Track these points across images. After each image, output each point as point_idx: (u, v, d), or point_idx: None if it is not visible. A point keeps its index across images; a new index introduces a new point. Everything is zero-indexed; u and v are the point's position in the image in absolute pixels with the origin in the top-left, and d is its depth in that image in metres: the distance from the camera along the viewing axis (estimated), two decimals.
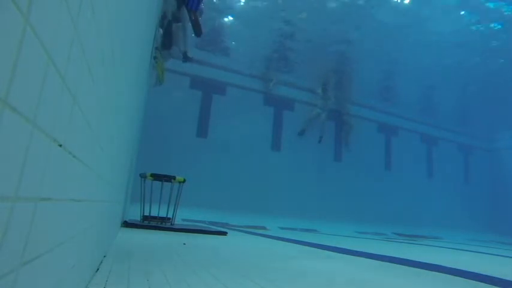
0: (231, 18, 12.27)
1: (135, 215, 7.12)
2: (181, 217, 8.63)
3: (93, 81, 1.10)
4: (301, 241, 6.56)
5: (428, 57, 13.11)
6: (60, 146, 0.83)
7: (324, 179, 13.82)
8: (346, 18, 11.53)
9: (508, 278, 3.19)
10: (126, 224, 5.97)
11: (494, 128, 17.40)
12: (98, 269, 2.13)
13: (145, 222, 6.59)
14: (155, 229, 6.16)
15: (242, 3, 11.51)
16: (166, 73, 10.18)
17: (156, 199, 6.50)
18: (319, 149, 14.24)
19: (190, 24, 7.39)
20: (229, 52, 13.59)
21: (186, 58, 8.45)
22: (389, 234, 12.69)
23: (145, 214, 6.83)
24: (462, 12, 11.02)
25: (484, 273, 3.43)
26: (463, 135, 17.93)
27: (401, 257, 4.65)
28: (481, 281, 2.93)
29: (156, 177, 6.67)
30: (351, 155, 14.77)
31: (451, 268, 3.72)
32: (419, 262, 4.12)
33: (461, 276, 3.15)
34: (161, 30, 7.44)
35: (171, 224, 6.80)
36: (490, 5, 10.70)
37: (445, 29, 11.26)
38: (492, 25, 11.40)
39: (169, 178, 6.73)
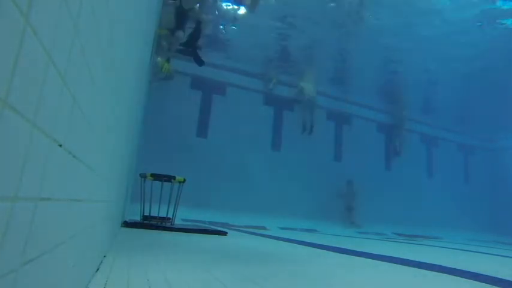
0: (234, 28, 12.31)
1: (135, 215, 7.12)
2: (181, 217, 8.62)
3: (93, 81, 1.10)
4: (301, 241, 6.56)
5: (428, 56, 13.08)
6: (60, 146, 0.83)
7: (324, 178, 13.81)
8: (346, 18, 11.52)
9: (508, 278, 3.18)
10: (126, 224, 5.97)
11: (494, 128, 17.36)
12: (98, 269, 2.13)
13: (146, 222, 6.59)
14: (155, 229, 6.16)
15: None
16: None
17: (156, 199, 6.50)
18: (319, 149, 14.23)
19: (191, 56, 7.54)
20: (229, 52, 13.58)
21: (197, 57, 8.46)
22: (389, 234, 12.69)
23: (145, 214, 6.83)
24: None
25: (484, 273, 3.43)
26: (463, 135, 17.92)
27: (401, 257, 4.65)
28: (481, 281, 2.93)
29: (156, 177, 6.67)
30: (351, 155, 14.77)
31: (451, 268, 3.72)
32: (420, 262, 4.12)
33: (461, 276, 3.14)
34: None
35: (171, 224, 6.80)
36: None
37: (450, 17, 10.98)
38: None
39: (169, 178, 6.73)
